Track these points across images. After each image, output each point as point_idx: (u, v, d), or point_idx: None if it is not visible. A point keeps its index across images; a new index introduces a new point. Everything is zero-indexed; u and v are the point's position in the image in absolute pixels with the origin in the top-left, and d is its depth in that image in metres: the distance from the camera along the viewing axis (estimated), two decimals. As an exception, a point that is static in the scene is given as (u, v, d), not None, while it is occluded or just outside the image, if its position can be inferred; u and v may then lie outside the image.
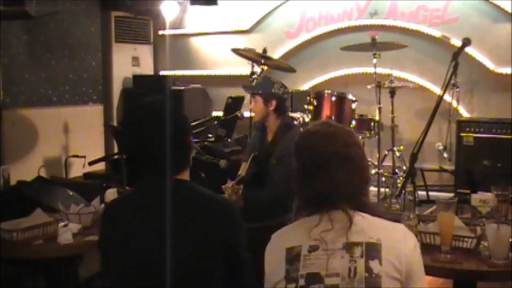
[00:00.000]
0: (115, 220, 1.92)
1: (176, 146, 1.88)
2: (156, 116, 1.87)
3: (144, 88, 6.51)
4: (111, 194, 2.98)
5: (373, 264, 1.55)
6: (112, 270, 1.90)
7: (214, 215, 1.82)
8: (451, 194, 4.81)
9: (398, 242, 1.60)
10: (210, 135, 5.29)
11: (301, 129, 4.80)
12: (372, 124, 5.15)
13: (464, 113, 5.72)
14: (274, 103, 3.66)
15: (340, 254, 1.58)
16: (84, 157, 4.70)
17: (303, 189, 1.70)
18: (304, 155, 1.70)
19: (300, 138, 1.77)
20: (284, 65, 5.51)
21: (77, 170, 5.45)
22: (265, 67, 5.22)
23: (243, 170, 3.79)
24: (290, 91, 5.72)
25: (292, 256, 1.62)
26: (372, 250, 1.57)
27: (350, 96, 5.03)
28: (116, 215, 1.94)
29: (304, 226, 1.66)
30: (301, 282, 1.58)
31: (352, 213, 1.62)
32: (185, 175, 1.93)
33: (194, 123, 5.06)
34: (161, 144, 1.84)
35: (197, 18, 6.98)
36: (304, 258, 1.60)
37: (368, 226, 1.61)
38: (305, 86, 6.37)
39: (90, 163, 4.44)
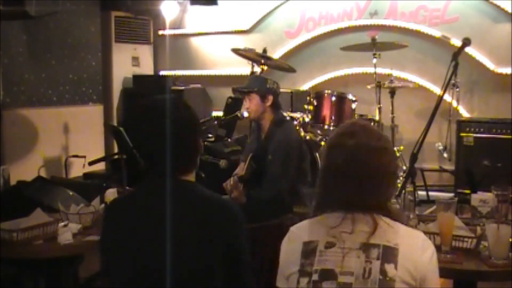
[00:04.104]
0: (117, 219, 1.91)
1: (184, 146, 1.87)
2: (166, 114, 1.85)
3: (144, 88, 6.51)
4: (111, 194, 2.98)
5: (389, 267, 1.55)
6: (113, 270, 1.90)
7: (216, 216, 1.81)
8: (451, 194, 4.81)
9: (416, 249, 1.60)
10: (210, 135, 5.29)
11: (298, 127, 4.82)
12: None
13: (464, 113, 5.72)
14: (270, 98, 3.68)
15: (356, 253, 1.58)
16: (84, 157, 4.71)
17: (332, 191, 1.69)
18: (346, 162, 1.65)
19: (339, 142, 1.69)
20: (284, 65, 5.51)
21: (77, 170, 5.46)
22: (265, 67, 5.21)
23: (240, 170, 3.80)
24: (290, 91, 5.81)
25: (308, 251, 1.63)
26: (389, 254, 1.57)
27: (350, 96, 5.02)
28: (118, 214, 1.94)
29: (325, 223, 1.66)
30: (315, 277, 1.59)
31: (377, 218, 1.62)
32: (191, 177, 1.92)
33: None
34: (168, 143, 1.83)
35: (197, 18, 6.99)
36: (320, 253, 1.61)
37: (388, 230, 1.61)
38: (305, 86, 6.37)
39: (90, 163, 4.44)
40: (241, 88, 3.80)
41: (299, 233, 1.71)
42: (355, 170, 1.64)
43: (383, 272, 1.55)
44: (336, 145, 1.70)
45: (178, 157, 1.86)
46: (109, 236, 1.92)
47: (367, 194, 1.65)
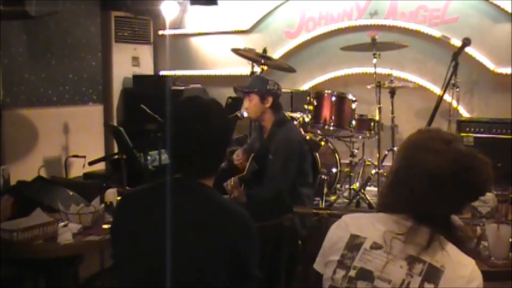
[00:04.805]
0: (128, 211, 1.90)
1: (214, 153, 1.88)
2: (210, 118, 1.86)
3: (144, 88, 6.51)
4: (111, 194, 2.98)
5: (428, 287, 1.51)
6: (118, 259, 1.89)
7: (229, 225, 1.79)
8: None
9: (462, 278, 1.54)
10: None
11: (298, 127, 4.83)
12: (372, 124, 5.15)
13: (464, 113, 5.72)
14: (270, 99, 3.68)
15: (400, 263, 1.54)
16: (84, 157, 4.70)
17: (412, 194, 1.60)
18: (449, 170, 1.56)
19: (438, 157, 1.58)
20: (284, 65, 5.51)
21: (77, 170, 5.45)
22: (265, 67, 5.21)
23: (237, 156, 3.82)
24: (290, 91, 5.81)
25: (353, 245, 1.60)
26: (432, 274, 1.52)
27: (350, 96, 5.02)
28: (130, 206, 1.92)
29: (384, 222, 1.61)
30: (352, 273, 1.57)
31: (436, 237, 1.56)
32: (210, 182, 1.92)
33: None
34: (203, 146, 1.84)
35: (197, 18, 6.99)
36: (364, 251, 1.58)
37: (440, 250, 1.56)
38: (305, 86, 6.37)
39: (90, 163, 4.44)
40: (242, 87, 3.81)
41: (350, 223, 1.67)
42: (460, 178, 1.56)
43: None
44: (427, 147, 1.60)
45: (205, 161, 1.86)
46: (118, 228, 1.92)
47: (454, 205, 1.60)
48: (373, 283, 1.54)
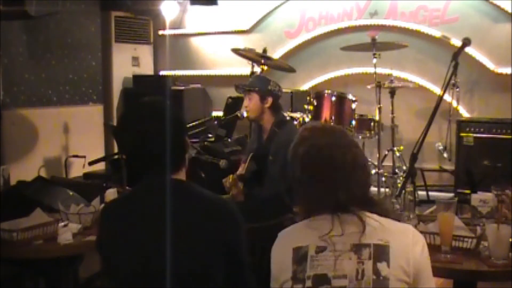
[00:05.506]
0: (114, 220, 1.91)
1: (174, 145, 1.88)
2: (154, 115, 1.88)
3: (144, 88, 6.51)
4: (111, 194, 2.98)
5: (381, 266, 1.55)
6: (111, 270, 1.90)
7: (214, 216, 1.82)
8: (451, 194, 4.81)
9: (407, 244, 1.59)
10: (210, 135, 5.29)
11: (298, 127, 4.82)
12: (372, 124, 5.15)
13: (464, 113, 5.72)
14: (270, 100, 3.67)
15: (348, 255, 1.57)
16: (84, 157, 4.71)
17: (312, 195, 1.69)
18: (313, 164, 1.68)
19: (305, 147, 1.74)
20: (284, 65, 5.51)
21: (77, 170, 5.46)
22: (265, 67, 5.21)
23: (241, 171, 3.80)
24: (290, 91, 5.81)
25: (299, 257, 1.62)
26: (380, 252, 1.56)
27: (350, 96, 5.02)
28: (114, 215, 1.93)
29: (313, 226, 1.64)
30: (308, 283, 1.58)
31: (364, 217, 1.61)
32: (182, 175, 1.93)
33: (194, 123, 5.08)
34: (159, 143, 1.84)
35: (197, 18, 6.98)
36: (312, 259, 1.60)
37: (377, 228, 1.60)
38: (305, 86, 6.37)
39: (90, 163, 4.45)
40: (243, 85, 3.81)
41: (287, 239, 1.69)
42: (326, 170, 1.65)
43: (376, 271, 1.54)
44: (295, 156, 1.73)
45: (169, 156, 1.86)
46: (106, 237, 1.92)
47: (342, 190, 1.65)
48: (331, 284, 1.56)
